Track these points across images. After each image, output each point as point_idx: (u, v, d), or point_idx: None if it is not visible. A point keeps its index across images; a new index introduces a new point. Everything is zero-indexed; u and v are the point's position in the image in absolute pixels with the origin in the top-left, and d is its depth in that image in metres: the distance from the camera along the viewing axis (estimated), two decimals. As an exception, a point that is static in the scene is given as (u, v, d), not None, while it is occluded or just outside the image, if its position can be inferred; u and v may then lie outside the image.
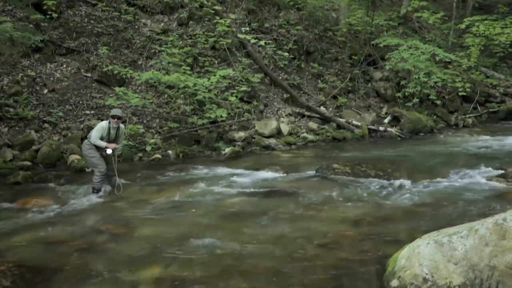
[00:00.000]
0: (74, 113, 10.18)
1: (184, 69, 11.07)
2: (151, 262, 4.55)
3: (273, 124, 11.61)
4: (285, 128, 11.77)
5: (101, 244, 5.11)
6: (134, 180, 7.80)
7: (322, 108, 13.31)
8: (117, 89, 10.03)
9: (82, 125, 9.97)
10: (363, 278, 4.15)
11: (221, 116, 10.56)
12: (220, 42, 12.78)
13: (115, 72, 10.83)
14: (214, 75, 10.79)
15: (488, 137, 11.99)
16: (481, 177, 7.58)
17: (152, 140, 10.03)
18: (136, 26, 12.74)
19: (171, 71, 10.97)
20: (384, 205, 6.31)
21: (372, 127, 12.67)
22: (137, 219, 5.93)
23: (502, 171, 7.69)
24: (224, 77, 11.09)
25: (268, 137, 11.24)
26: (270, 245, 4.96)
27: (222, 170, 8.48)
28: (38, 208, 6.31)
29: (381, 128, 12.60)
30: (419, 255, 3.77)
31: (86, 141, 7.07)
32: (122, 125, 7.30)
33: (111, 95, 10.59)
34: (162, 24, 13.35)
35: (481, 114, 15.30)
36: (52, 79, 10.56)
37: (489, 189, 6.98)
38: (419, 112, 13.84)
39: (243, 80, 12.13)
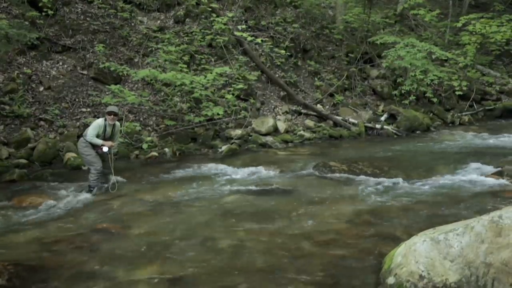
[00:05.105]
0: (70, 110, 10.14)
1: (180, 66, 11.06)
2: (148, 260, 4.54)
3: (269, 122, 11.61)
4: (281, 126, 11.77)
5: (97, 242, 5.09)
6: (131, 178, 7.77)
7: (318, 106, 13.32)
8: (112, 87, 10.00)
9: (78, 123, 9.94)
10: (359, 275, 4.16)
11: (218, 114, 10.56)
12: (217, 40, 12.76)
13: (112, 69, 10.80)
14: (211, 73, 10.77)
15: (484, 135, 12.04)
16: (477, 175, 7.59)
17: (149, 138, 10.01)
18: (133, 24, 12.70)
19: (167, 68, 10.96)
20: (381, 202, 6.32)
21: (369, 125, 12.69)
22: (134, 217, 5.92)
23: (498, 169, 7.71)
24: (220, 75, 11.08)
25: (265, 135, 11.24)
26: (267, 242, 4.96)
27: (218, 168, 8.46)
28: (34, 206, 6.27)
29: (378, 126, 12.62)
30: (415, 252, 3.78)
31: (82, 139, 7.04)
32: (117, 123, 7.28)
33: (107, 93, 10.55)
34: (159, 21, 13.32)
35: (477, 112, 15.36)
36: (48, 76, 10.51)
37: (485, 186, 6.99)
38: (415, 110, 13.88)
39: (240, 78, 12.12)
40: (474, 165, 8.13)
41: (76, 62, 11.14)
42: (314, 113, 12.92)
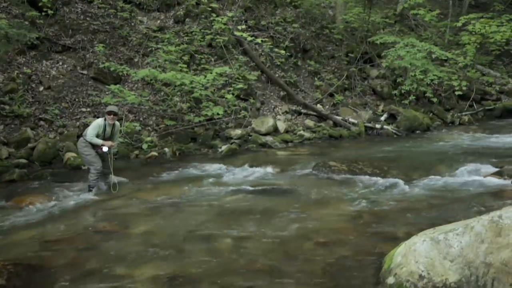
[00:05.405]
0: (70, 110, 10.14)
1: (180, 66, 11.06)
2: (148, 260, 4.54)
3: (269, 121, 11.61)
4: (281, 126, 11.77)
5: (97, 242, 5.09)
6: (131, 178, 7.76)
7: (318, 106, 13.32)
8: (112, 86, 10.00)
9: (78, 123, 9.94)
10: (359, 275, 4.16)
11: (218, 114, 10.56)
12: (217, 40, 12.76)
13: (112, 69, 10.80)
14: (211, 73, 10.77)
15: (484, 134, 12.04)
16: (477, 175, 7.58)
17: (149, 138, 10.00)
18: (132, 24, 12.71)
19: (167, 68, 10.96)
20: (381, 202, 6.32)
21: (369, 124, 12.69)
22: (133, 217, 5.92)
23: (498, 169, 7.71)
24: (220, 75, 11.07)
25: (265, 134, 11.24)
26: (267, 242, 4.96)
27: (218, 168, 8.46)
28: (34, 206, 6.28)
29: (378, 126, 12.62)
30: (415, 252, 3.78)
31: (81, 138, 7.05)
32: (117, 122, 7.28)
33: (107, 93, 10.55)
34: (159, 21, 13.32)
35: (477, 112, 15.35)
36: (48, 76, 10.51)
37: (485, 186, 6.99)
38: (415, 109, 13.88)
39: (240, 77, 12.12)
40: (474, 165, 8.11)
41: (76, 62, 11.14)
42: (314, 113, 12.92)
